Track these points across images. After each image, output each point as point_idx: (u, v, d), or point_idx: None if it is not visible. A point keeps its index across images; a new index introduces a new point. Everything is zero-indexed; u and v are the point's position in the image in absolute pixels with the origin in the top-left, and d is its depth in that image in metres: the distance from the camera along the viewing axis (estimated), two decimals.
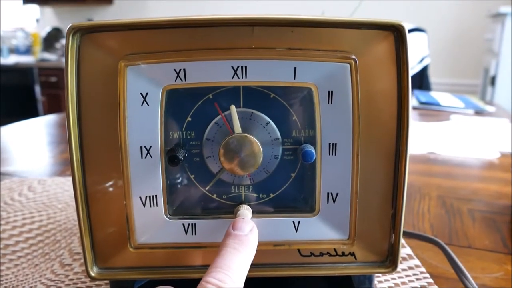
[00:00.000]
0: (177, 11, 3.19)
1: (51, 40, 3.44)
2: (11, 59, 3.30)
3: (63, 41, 3.23)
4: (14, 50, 3.60)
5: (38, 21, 3.76)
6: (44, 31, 3.51)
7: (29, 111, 3.11)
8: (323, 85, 0.28)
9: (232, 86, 0.29)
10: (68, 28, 0.27)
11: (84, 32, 0.27)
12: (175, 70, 0.28)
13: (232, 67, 0.28)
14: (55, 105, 3.09)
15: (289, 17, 0.27)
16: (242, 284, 0.25)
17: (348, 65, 0.28)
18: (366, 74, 0.28)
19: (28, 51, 3.57)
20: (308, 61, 0.28)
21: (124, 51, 0.28)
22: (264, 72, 0.28)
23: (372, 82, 0.29)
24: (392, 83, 0.29)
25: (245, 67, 0.28)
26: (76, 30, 0.27)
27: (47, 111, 3.04)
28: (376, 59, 0.28)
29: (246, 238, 0.27)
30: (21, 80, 3.15)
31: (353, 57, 0.28)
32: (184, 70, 0.28)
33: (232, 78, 0.28)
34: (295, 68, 0.28)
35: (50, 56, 3.29)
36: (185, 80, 0.28)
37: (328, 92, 0.28)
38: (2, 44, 3.56)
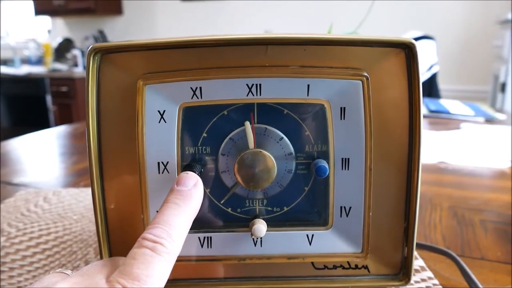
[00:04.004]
0: (186, 23, 3.22)
1: (62, 50, 3.50)
2: (23, 70, 3.36)
3: (74, 52, 3.31)
4: (26, 61, 3.68)
5: (49, 32, 3.83)
6: (55, 42, 3.57)
7: (41, 120, 3.16)
8: (335, 102, 0.29)
9: (247, 103, 0.30)
10: (89, 49, 0.28)
11: (104, 52, 0.29)
12: (191, 88, 0.29)
13: (247, 85, 0.28)
14: (66, 114, 3.13)
15: (302, 36, 0.28)
16: (181, 239, 0.24)
17: (360, 82, 0.28)
18: (378, 90, 0.29)
19: (40, 61, 3.64)
20: (321, 79, 0.28)
21: (142, 70, 0.29)
22: (278, 89, 0.29)
23: (384, 98, 0.29)
24: (404, 98, 0.29)
25: (260, 84, 0.28)
26: (97, 51, 0.28)
27: (59, 120, 3.09)
28: (388, 75, 0.29)
29: (188, 193, 0.26)
30: (33, 90, 3.21)
31: (365, 74, 0.28)
32: (201, 88, 0.29)
33: (247, 95, 0.29)
34: (308, 85, 0.28)
35: (61, 66, 3.34)
36: (201, 97, 0.29)
37: (341, 108, 0.29)
38: (14, 55, 3.64)
